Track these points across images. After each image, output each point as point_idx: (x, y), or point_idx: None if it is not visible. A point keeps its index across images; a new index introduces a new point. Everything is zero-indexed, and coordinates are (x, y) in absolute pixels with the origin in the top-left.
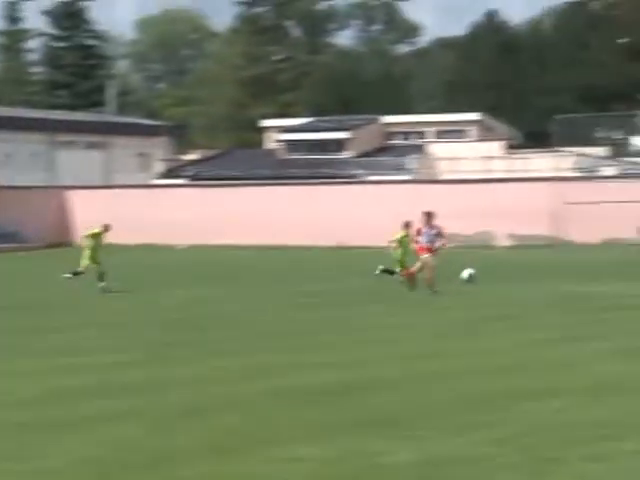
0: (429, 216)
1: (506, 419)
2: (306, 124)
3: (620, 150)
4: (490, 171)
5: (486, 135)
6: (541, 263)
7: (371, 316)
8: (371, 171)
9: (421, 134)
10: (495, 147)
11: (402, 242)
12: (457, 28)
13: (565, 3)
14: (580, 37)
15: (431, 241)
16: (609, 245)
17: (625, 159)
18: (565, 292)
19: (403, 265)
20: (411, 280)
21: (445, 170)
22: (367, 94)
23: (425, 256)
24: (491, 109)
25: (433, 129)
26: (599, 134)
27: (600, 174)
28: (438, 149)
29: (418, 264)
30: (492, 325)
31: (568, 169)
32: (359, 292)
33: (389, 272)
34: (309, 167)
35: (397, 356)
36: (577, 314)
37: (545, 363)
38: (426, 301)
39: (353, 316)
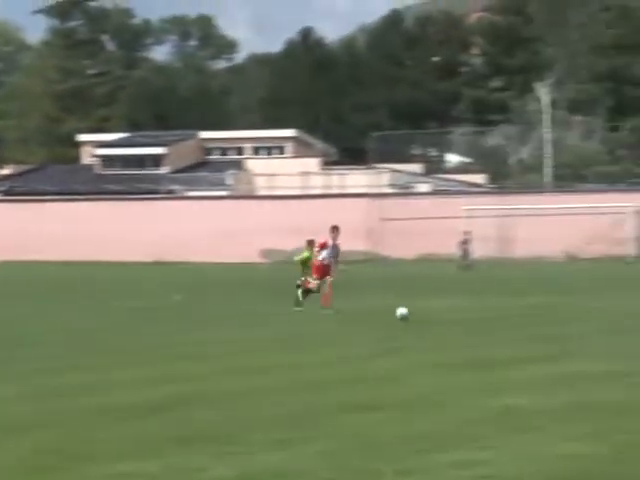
0: (337, 231)
1: (329, 433)
2: (122, 139)
3: (434, 167)
4: (307, 187)
5: (302, 151)
6: (359, 278)
7: (192, 331)
8: (189, 187)
9: (239, 150)
10: (312, 163)
11: (306, 262)
12: (273, 44)
13: (381, 19)
14: (395, 55)
15: (334, 256)
16: (424, 260)
17: (439, 176)
18: (385, 306)
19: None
20: (305, 294)
21: (263, 186)
22: (184, 109)
23: (316, 282)
24: (307, 125)
25: (250, 145)
26: (414, 151)
27: (415, 190)
28: (256, 165)
29: (315, 283)
30: (315, 340)
31: (384, 185)
32: (178, 308)
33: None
34: (126, 182)
35: (220, 371)
36: (398, 328)
37: (369, 377)
38: (248, 316)
39: (174, 332)
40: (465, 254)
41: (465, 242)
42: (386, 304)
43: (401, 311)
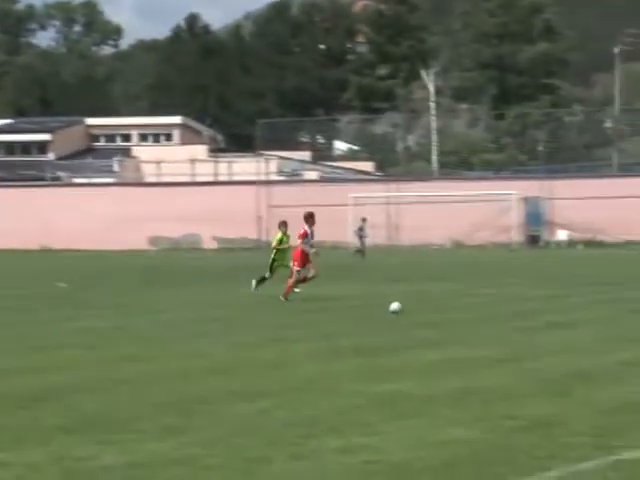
0: (312, 218)
1: (216, 421)
2: (6, 125)
3: (322, 154)
4: (195, 175)
5: (190, 138)
6: (249, 266)
7: (77, 319)
8: (75, 174)
9: (126, 137)
10: (199, 150)
11: (282, 243)
12: (159, 31)
13: (267, 6)
14: (282, 42)
15: (311, 245)
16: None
17: (327, 163)
18: (274, 294)
19: (287, 266)
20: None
21: (150, 173)
22: (69, 96)
23: (297, 269)
24: (194, 112)
25: (137, 132)
26: (302, 138)
27: (303, 178)
28: (143, 152)
29: (298, 274)
30: (204, 327)
31: (272, 173)
32: (63, 295)
33: (262, 280)
34: (11, 169)
35: (107, 359)
36: (287, 316)
37: (257, 364)
38: (128, 304)
39: (59, 319)
40: (362, 241)
41: (361, 229)
42: (274, 292)
43: (393, 306)
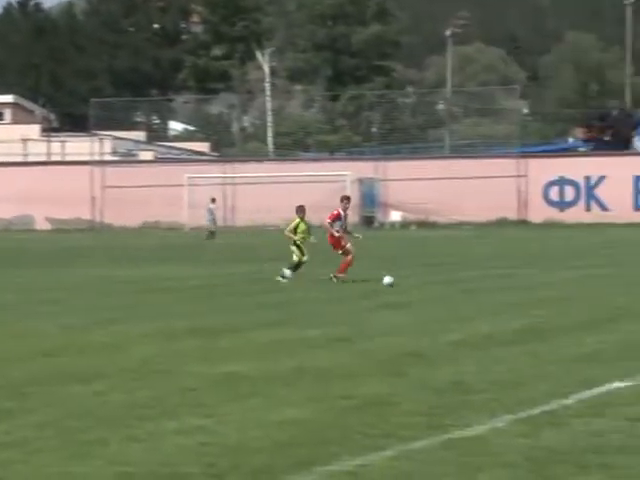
0: (347, 201)
1: (50, 403)
2: None
3: (158, 135)
4: (27, 154)
5: (22, 118)
6: (82, 247)
7: None
8: None
9: None
10: (32, 130)
11: (296, 230)
12: None
13: None
14: (115, 21)
15: (343, 227)
16: (149, 228)
17: (162, 144)
18: (106, 276)
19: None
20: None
21: None
22: None
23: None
24: (26, 91)
25: None
26: (137, 119)
27: (138, 158)
28: None
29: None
30: (36, 308)
31: (106, 153)
32: None
33: (297, 267)
34: None
35: None
36: (119, 297)
37: (91, 346)
38: None
39: None
40: (212, 222)
41: (211, 211)
42: (111, 273)
43: (387, 280)
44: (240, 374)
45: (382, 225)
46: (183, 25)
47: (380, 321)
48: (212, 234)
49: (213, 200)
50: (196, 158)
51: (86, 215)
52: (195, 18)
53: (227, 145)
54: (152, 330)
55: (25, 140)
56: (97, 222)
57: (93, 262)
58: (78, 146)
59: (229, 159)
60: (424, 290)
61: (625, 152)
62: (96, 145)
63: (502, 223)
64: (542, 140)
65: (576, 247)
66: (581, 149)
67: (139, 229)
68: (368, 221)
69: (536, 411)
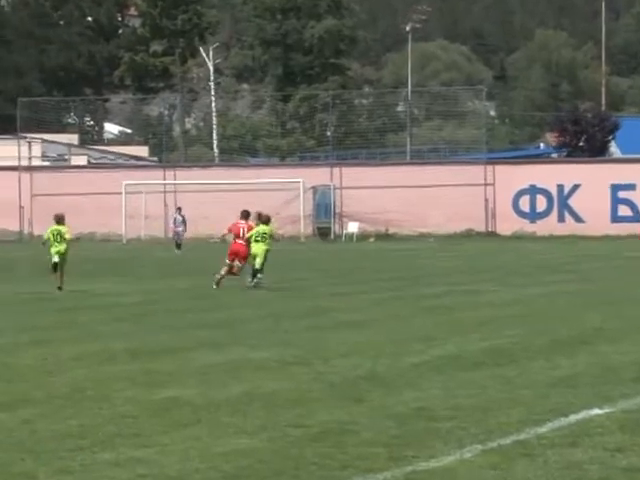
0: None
1: None
2: None
3: (92, 138)
4: None
5: None
6: (8, 260)
7: None
8: None
9: None
10: None
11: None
12: None
13: None
14: (44, 14)
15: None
16: (83, 241)
17: (97, 147)
18: (34, 292)
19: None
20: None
21: None
22: None
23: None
24: None
25: None
26: (69, 120)
27: (70, 164)
28: None
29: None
30: None
31: (35, 157)
32: None
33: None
34: None
35: None
36: (48, 315)
37: (18, 369)
38: None
39: None
40: (177, 233)
41: (176, 221)
42: (39, 289)
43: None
44: (182, 400)
45: (338, 237)
46: (119, 18)
47: (336, 341)
48: (179, 245)
49: (179, 209)
50: (134, 163)
51: (14, 226)
52: (132, 11)
53: (168, 149)
54: (85, 352)
55: None
56: (26, 233)
57: (19, 277)
58: (4, 150)
59: (170, 165)
60: (383, 307)
61: (601, 158)
62: (24, 149)
63: (468, 235)
64: (511, 145)
65: (548, 261)
66: (553, 155)
67: (72, 241)
68: (323, 233)
69: (507, 440)
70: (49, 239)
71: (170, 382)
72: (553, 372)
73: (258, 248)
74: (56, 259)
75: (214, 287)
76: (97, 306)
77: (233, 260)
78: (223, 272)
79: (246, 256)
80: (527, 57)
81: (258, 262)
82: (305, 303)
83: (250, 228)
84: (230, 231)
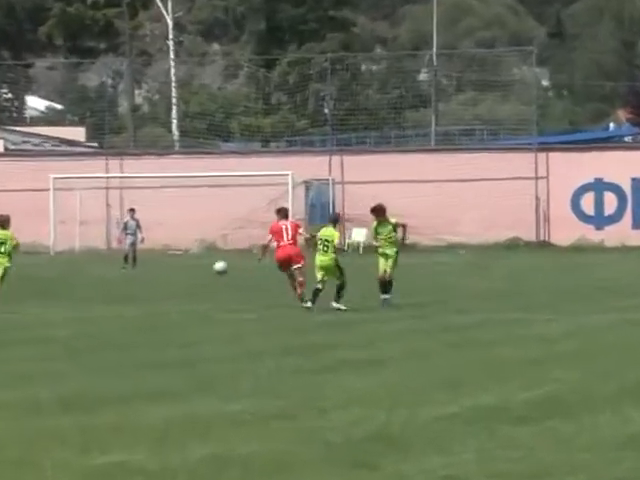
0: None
1: None
2: None
3: (8, 115)
4: None
5: None
6: None
7: None
8: None
9: None
10: None
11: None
12: None
13: None
14: None
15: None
16: None
17: (16, 128)
18: None
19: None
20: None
21: None
22: None
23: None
24: None
25: None
26: None
27: None
28: None
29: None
30: None
31: None
32: None
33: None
34: None
35: None
36: None
37: None
38: None
39: None
40: (132, 243)
41: (127, 226)
42: None
43: (219, 266)
44: (130, 466)
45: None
46: None
47: (334, 387)
48: (133, 260)
49: (132, 210)
50: (66, 150)
51: None
52: None
53: (112, 131)
54: (4, 400)
55: None
56: None
57: None
58: None
59: (115, 152)
60: (398, 341)
61: None
62: None
63: (513, 246)
64: (570, 126)
65: (617, 281)
66: (626, 139)
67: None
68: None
69: None
70: None
71: (114, 442)
72: (623, 428)
73: (324, 261)
74: None
75: (308, 305)
76: (19, 340)
77: (287, 269)
78: (298, 290)
79: (299, 255)
80: (591, 8)
81: (327, 278)
82: (293, 337)
83: (296, 228)
84: (273, 234)
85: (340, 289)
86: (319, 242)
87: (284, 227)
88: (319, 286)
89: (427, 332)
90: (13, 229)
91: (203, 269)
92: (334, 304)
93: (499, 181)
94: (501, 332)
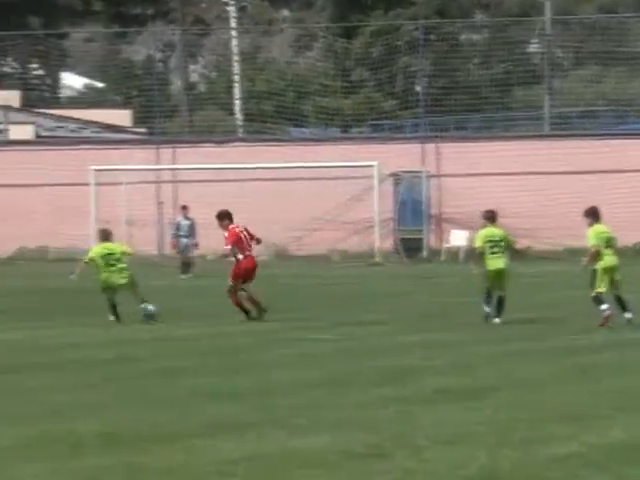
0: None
1: None
2: None
3: (41, 95)
4: None
5: None
6: None
7: None
8: None
9: None
10: None
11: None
12: None
13: None
14: None
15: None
16: (23, 259)
17: (49, 111)
18: None
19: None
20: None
21: None
22: None
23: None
24: None
25: None
26: (4, 68)
27: (6, 138)
28: None
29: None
30: None
31: None
32: None
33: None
34: None
35: None
36: None
37: None
38: None
39: None
40: (186, 246)
41: (184, 227)
42: None
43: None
44: None
45: (434, 255)
46: None
47: (431, 420)
48: (187, 266)
49: (184, 208)
50: (109, 137)
51: None
52: None
53: (163, 115)
54: (35, 437)
55: None
56: None
57: None
58: None
59: (167, 139)
60: (505, 366)
61: None
62: None
63: None
64: None
65: None
66: None
67: (9, 259)
68: (410, 247)
69: None
70: None
71: None
72: None
73: (499, 266)
74: None
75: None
76: (50, 365)
77: (245, 282)
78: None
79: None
80: None
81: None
82: (379, 360)
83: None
84: (234, 244)
85: (503, 301)
86: (488, 245)
87: (242, 234)
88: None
89: (541, 355)
90: (44, 230)
91: (272, 279)
92: (497, 320)
93: (627, 173)
94: (633, 356)
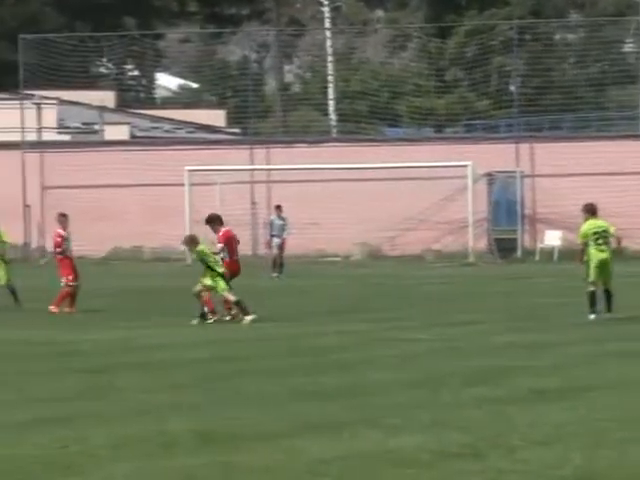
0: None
1: None
2: None
3: (136, 96)
4: None
5: None
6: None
7: None
8: None
9: None
10: None
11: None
12: None
13: None
14: None
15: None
16: (120, 259)
17: (143, 112)
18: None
19: None
20: None
21: None
22: None
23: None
24: None
25: None
26: (100, 68)
27: (102, 138)
28: None
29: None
30: None
31: (48, 129)
32: None
33: None
34: None
35: None
36: (69, 378)
37: (15, 464)
38: None
39: None
40: (273, 246)
41: (279, 227)
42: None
43: None
44: None
45: (529, 255)
46: None
47: (526, 420)
48: (280, 266)
49: (278, 208)
50: (203, 138)
51: (16, 235)
52: None
53: (257, 115)
54: (126, 436)
55: None
56: (34, 247)
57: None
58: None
59: (261, 140)
60: (604, 366)
61: None
62: (30, 114)
63: None
64: None
65: None
66: None
67: (103, 259)
68: (504, 247)
69: None
70: None
71: None
72: None
73: (604, 258)
74: None
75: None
76: (142, 364)
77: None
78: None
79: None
80: None
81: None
82: (473, 360)
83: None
84: (225, 244)
85: (611, 295)
86: (593, 237)
87: (235, 239)
88: (593, 288)
89: (637, 356)
90: (139, 230)
91: (365, 279)
92: (607, 314)
93: None
94: None
